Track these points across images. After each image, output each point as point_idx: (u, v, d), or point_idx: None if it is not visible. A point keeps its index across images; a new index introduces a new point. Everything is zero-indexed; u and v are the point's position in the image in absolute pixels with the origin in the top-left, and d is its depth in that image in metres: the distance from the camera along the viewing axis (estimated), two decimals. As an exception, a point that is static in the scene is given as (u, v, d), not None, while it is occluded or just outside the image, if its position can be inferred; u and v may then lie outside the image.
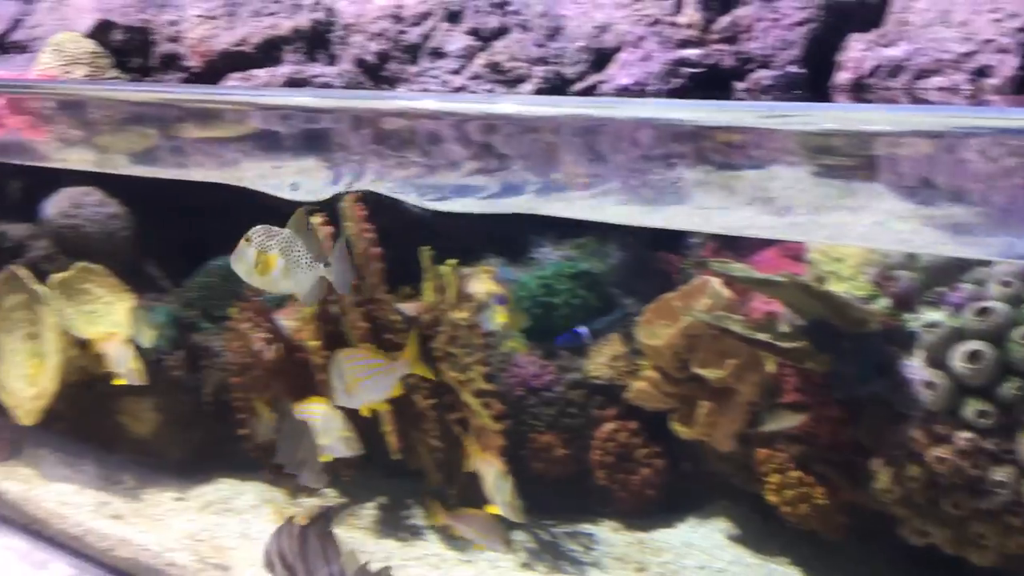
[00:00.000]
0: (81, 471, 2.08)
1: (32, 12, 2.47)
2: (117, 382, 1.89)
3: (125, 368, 1.86)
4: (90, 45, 2.26)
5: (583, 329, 1.88)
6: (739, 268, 1.67)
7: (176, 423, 2.10)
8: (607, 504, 1.92)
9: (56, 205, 2.22)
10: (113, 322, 2.03)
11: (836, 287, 1.66)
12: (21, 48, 2.40)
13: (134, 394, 2.00)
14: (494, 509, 1.59)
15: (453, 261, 1.84)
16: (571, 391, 1.91)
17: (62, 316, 2.03)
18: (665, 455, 1.89)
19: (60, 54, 2.23)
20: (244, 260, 1.33)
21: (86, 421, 2.10)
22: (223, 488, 2.08)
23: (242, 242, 1.34)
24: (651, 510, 1.91)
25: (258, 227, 1.34)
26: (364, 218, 1.89)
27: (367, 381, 1.53)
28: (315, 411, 1.63)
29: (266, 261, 1.32)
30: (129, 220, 2.27)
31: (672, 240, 2.01)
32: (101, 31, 2.32)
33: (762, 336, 1.61)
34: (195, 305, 2.19)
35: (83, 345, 2.02)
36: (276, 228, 1.33)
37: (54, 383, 1.99)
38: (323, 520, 1.45)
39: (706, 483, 1.89)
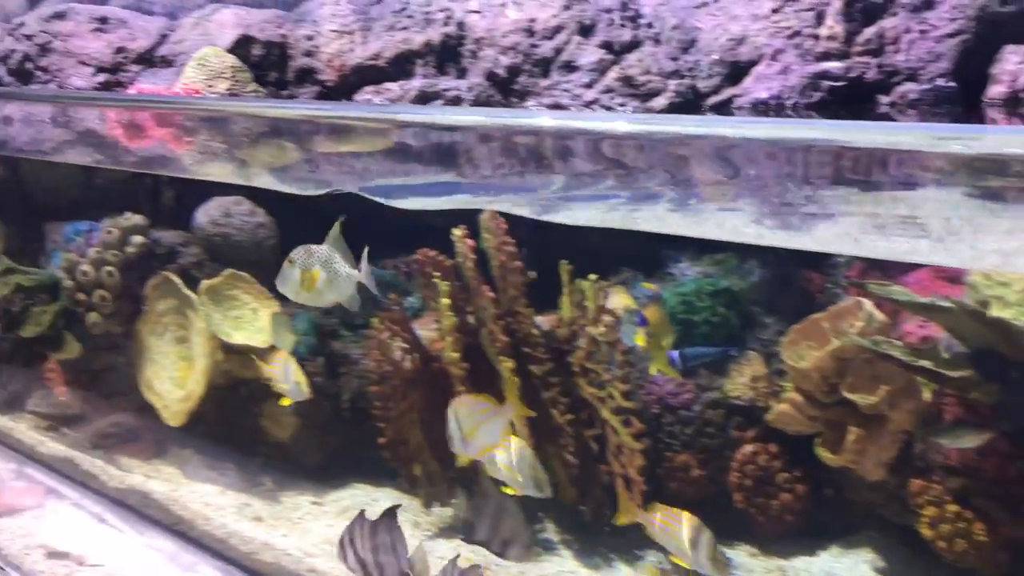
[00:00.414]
0: (223, 473, 2.14)
1: (177, 27, 2.57)
2: (284, 403, 1.90)
3: (291, 383, 1.88)
4: (231, 60, 2.33)
5: (674, 353, 1.83)
6: (899, 291, 1.61)
7: (314, 428, 2.14)
8: (744, 528, 1.88)
9: (207, 214, 2.31)
10: (258, 328, 2.09)
11: (1001, 313, 1.59)
12: (167, 62, 2.50)
13: (275, 398, 2.03)
14: (681, 561, 1.54)
15: (594, 276, 1.83)
16: (709, 410, 1.88)
17: (210, 321, 2.09)
18: (806, 480, 1.84)
19: (204, 68, 2.32)
20: (290, 280, 1.44)
21: (228, 423, 2.17)
22: (358, 494, 2.11)
23: (286, 263, 1.44)
24: (791, 536, 1.85)
25: (298, 248, 1.45)
26: (503, 231, 1.90)
27: (482, 427, 1.54)
28: (503, 449, 1.59)
29: (311, 277, 1.43)
30: (274, 229, 2.34)
31: (815, 258, 1.95)
32: (241, 46, 2.40)
33: (925, 363, 1.55)
34: (335, 313, 2.23)
35: (229, 349, 2.09)
36: (315, 246, 1.45)
37: (201, 386, 2.07)
38: (391, 516, 1.50)
39: (850, 511, 1.83)
